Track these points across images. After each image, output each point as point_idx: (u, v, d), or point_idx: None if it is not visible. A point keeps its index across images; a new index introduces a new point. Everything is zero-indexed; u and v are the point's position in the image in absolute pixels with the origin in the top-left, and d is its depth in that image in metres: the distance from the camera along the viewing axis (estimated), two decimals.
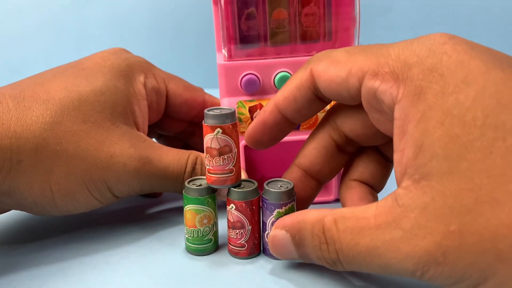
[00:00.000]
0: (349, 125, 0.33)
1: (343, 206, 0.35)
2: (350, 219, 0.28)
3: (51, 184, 0.34)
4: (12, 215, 0.42)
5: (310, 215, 0.30)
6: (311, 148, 0.35)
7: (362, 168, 0.35)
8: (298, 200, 0.35)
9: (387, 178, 0.36)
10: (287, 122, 0.34)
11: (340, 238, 0.28)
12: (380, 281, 0.32)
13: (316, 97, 0.32)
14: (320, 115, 0.40)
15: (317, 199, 0.42)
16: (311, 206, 0.42)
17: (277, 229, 0.31)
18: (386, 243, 0.26)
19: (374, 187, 0.35)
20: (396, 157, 0.27)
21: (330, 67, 0.30)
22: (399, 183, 0.27)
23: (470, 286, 0.24)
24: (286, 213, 0.34)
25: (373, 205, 0.27)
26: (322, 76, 0.31)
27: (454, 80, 0.25)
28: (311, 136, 0.35)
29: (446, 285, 0.25)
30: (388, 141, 0.33)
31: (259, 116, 0.34)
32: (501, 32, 0.86)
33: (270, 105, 0.34)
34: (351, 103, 0.31)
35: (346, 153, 0.35)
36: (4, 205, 0.35)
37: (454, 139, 0.24)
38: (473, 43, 0.27)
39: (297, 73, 0.33)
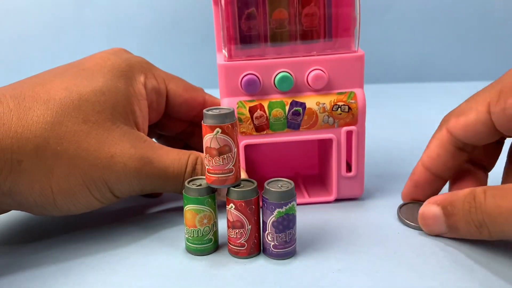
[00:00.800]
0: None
1: (455, 188, 0.40)
2: (497, 188, 0.32)
3: (51, 184, 0.34)
4: (12, 215, 0.42)
5: (463, 190, 0.34)
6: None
7: (477, 150, 0.40)
8: (425, 197, 0.38)
9: (498, 156, 0.40)
10: (436, 179, 0.39)
11: (486, 202, 0.32)
12: (380, 282, 0.32)
13: (456, 148, 0.38)
14: (321, 115, 0.40)
15: (317, 199, 0.43)
16: (311, 206, 0.42)
17: (428, 205, 0.36)
18: None
19: (486, 167, 0.40)
20: None
21: (460, 117, 0.37)
22: None
23: None
24: (287, 212, 0.34)
25: None
26: (457, 127, 0.37)
27: None
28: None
29: None
30: None
31: (410, 179, 0.40)
32: (501, 32, 0.86)
33: (418, 167, 0.40)
34: (490, 138, 0.37)
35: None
36: (5, 205, 0.35)
37: None
38: None
39: (434, 136, 0.39)
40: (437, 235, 0.36)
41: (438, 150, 0.38)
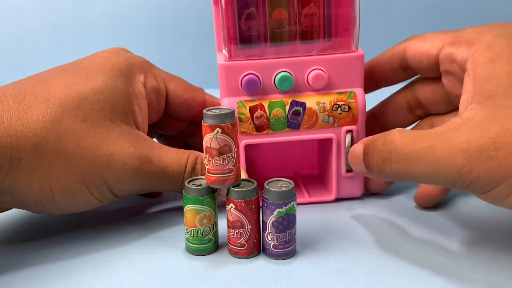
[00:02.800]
0: (421, 89, 0.41)
1: None
2: (414, 131, 0.32)
3: (50, 183, 0.34)
4: (12, 214, 0.42)
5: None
6: (388, 100, 0.44)
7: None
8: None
9: None
10: (372, 82, 0.43)
11: (399, 137, 0.32)
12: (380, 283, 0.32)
13: (401, 66, 0.41)
14: (321, 115, 0.40)
15: (317, 199, 0.43)
16: (311, 206, 0.42)
17: (358, 143, 0.35)
18: (443, 141, 0.30)
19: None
20: (463, 98, 0.33)
21: (419, 42, 0.39)
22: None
23: (508, 188, 0.29)
24: (287, 212, 0.34)
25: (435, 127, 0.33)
26: (412, 47, 0.39)
27: None
28: (392, 94, 0.44)
29: (489, 185, 0.29)
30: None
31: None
32: None
33: (367, 63, 0.42)
34: (427, 73, 0.40)
35: (414, 115, 0.43)
36: (4, 203, 0.35)
37: None
38: None
39: (393, 47, 0.42)
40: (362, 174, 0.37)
41: (386, 59, 0.41)
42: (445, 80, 0.39)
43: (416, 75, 0.42)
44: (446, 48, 0.36)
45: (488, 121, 0.29)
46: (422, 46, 0.39)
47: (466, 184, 0.30)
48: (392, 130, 0.33)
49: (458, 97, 0.35)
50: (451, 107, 0.40)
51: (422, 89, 0.41)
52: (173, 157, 0.38)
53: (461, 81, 0.35)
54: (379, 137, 0.33)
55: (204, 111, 0.33)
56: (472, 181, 0.29)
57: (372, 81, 0.43)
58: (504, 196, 0.29)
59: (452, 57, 0.36)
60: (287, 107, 0.39)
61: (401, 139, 0.32)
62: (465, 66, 0.34)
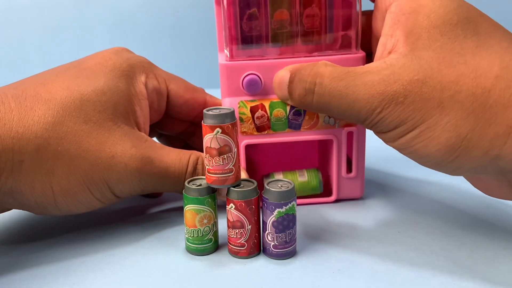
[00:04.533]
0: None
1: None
2: (340, 67, 0.34)
3: (52, 184, 0.34)
4: (13, 215, 0.42)
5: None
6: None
7: None
8: None
9: None
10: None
11: (326, 73, 0.34)
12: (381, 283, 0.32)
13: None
14: (321, 116, 0.40)
15: (317, 199, 0.43)
16: (311, 206, 0.42)
17: (284, 69, 0.38)
18: (365, 83, 0.33)
19: None
20: (382, 40, 0.35)
21: None
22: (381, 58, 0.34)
23: (407, 128, 0.33)
24: (287, 212, 0.34)
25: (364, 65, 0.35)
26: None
27: None
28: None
29: (389, 127, 0.33)
30: None
31: None
32: None
33: None
34: None
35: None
36: (6, 204, 0.35)
37: (435, 28, 0.33)
38: None
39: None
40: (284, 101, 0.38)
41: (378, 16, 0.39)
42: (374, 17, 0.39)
43: None
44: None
45: (403, 69, 0.33)
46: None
47: (373, 123, 0.33)
48: (319, 62, 0.35)
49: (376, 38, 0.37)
50: None
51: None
52: (174, 157, 0.38)
53: (381, 18, 0.36)
54: (305, 67, 0.35)
55: (204, 111, 0.33)
56: (378, 121, 0.33)
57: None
58: (396, 138, 0.33)
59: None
60: (288, 108, 0.39)
61: (327, 73, 0.34)
62: (389, 8, 0.35)
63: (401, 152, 0.35)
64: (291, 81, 0.36)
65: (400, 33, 0.34)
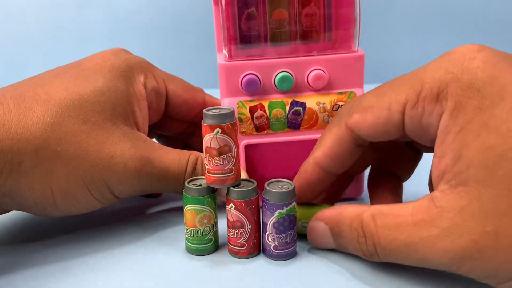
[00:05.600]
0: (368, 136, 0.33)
1: (371, 195, 0.38)
2: (388, 215, 0.30)
3: (51, 185, 0.34)
4: (12, 215, 0.42)
5: (349, 209, 0.32)
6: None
7: (391, 159, 0.38)
8: (317, 193, 0.37)
9: (414, 169, 0.39)
10: (329, 175, 0.35)
11: (378, 232, 0.30)
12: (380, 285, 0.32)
13: (356, 145, 0.34)
14: (321, 115, 0.40)
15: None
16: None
17: (316, 221, 0.34)
18: (424, 239, 0.28)
19: (401, 177, 0.38)
20: (434, 161, 0.29)
21: (367, 115, 0.32)
22: (435, 186, 0.29)
23: (502, 279, 0.27)
24: (288, 213, 0.34)
25: (410, 205, 0.30)
26: (362, 125, 0.32)
27: (490, 95, 0.27)
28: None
29: (479, 278, 0.28)
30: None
31: (301, 177, 0.36)
32: (502, 32, 0.86)
33: (310, 165, 0.35)
34: (396, 138, 0.33)
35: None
36: (5, 205, 0.35)
37: (490, 149, 0.27)
38: (501, 54, 0.29)
39: (330, 130, 0.34)
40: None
41: (336, 147, 0.34)
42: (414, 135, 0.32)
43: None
44: (411, 111, 0.30)
45: (465, 216, 0.27)
46: (378, 118, 0.32)
47: (458, 273, 0.29)
48: (362, 213, 0.31)
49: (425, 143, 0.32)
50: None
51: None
52: (173, 158, 0.38)
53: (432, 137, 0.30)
54: (347, 221, 0.32)
55: (204, 111, 0.33)
56: (462, 273, 0.28)
57: (327, 176, 0.35)
58: (499, 284, 0.28)
59: (424, 121, 0.30)
60: (287, 107, 0.39)
61: (378, 230, 0.30)
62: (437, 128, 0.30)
63: None
64: (336, 236, 0.33)
65: (447, 160, 0.28)
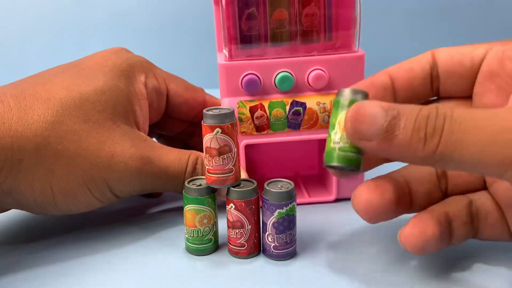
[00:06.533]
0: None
1: None
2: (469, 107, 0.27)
3: (51, 184, 0.34)
4: (12, 215, 0.42)
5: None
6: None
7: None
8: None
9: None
10: (391, 94, 0.32)
11: (454, 110, 0.25)
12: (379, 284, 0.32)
13: (430, 75, 0.32)
14: (321, 115, 0.40)
15: (317, 199, 0.43)
16: (311, 206, 0.42)
17: (370, 101, 0.27)
18: (508, 109, 0.25)
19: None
20: None
21: (453, 48, 0.32)
22: None
23: None
24: (287, 213, 0.34)
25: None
26: (446, 51, 0.32)
27: None
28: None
29: None
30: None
31: (366, 80, 0.33)
32: (503, 32, 0.86)
33: (381, 72, 0.33)
34: (461, 86, 0.32)
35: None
36: (5, 204, 0.35)
37: None
38: None
39: (415, 57, 0.33)
40: (362, 139, 0.27)
41: (414, 64, 0.33)
42: (480, 89, 0.31)
43: (438, 95, 0.33)
44: (497, 47, 0.31)
45: None
46: (462, 48, 0.32)
47: None
48: (439, 104, 0.28)
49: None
50: None
51: None
52: (174, 157, 0.38)
53: (506, 86, 0.29)
54: (420, 107, 0.26)
55: (204, 111, 0.33)
56: None
57: (391, 94, 0.32)
58: None
59: (507, 54, 0.30)
60: (288, 107, 0.39)
61: (456, 110, 0.25)
62: None
63: None
64: (394, 116, 0.26)
65: None
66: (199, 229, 0.35)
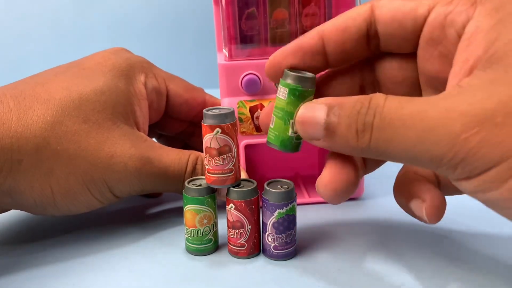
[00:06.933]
0: (385, 65, 0.31)
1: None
2: (403, 97, 0.26)
3: (51, 184, 0.34)
4: (12, 215, 0.42)
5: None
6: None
7: None
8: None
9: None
10: (321, 57, 0.30)
11: (386, 103, 0.25)
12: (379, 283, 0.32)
13: (367, 35, 0.30)
14: None
15: (317, 199, 0.42)
16: (311, 206, 0.42)
17: (315, 101, 0.28)
18: (438, 106, 0.24)
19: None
20: (454, 70, 0.26)
21: (396, 1, 0.29)
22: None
23: (505, 171, 0.22)
24: (287, 213, 0.34)
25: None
26: (386, 6, 0.29)
27: None
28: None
29: (481, 169, 0.23)
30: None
31: (295, 40, 0.31)
32: None
33: (312, 32, 0.30)
34: (401, 45, 0.30)
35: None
36: (4, 204, 0.35)
37: None
38: None
39: (353, 9, 0.30)
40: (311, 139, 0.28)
41: (348, 22, 0.30)
42: (423, 53, 0.29)
43: (377, 51, 0.31)
44: (441, 7, 0.28)
45: (498, 83, 0.23)
46: (404, 6, 0.29)
47: (457, 160, 0.23)
48: (375, 93, 0.26)
49: (431, 79, 0.29)
50: (414, 92, 0.31)
51: (386, 65, 0.31)
52: (173, 157, 0.38)
53: (448, 53, 0.28)
54: (353, 99, 0.26)
55: (204, 111, 0.33)
56: (465, 155, 0.23)
57: (322, 58, 0.30)
58: (502, 180, 0.23)
59: (449, 19, 0.27)
60: None
61: (388, 102, 0.25)
62: (463, 30, 0.27)
63: (497, 210, 0.25)
64: (333, 114, 0.27)
65: (480, 50, 0.25)
66: (199, 229, 0.35)
